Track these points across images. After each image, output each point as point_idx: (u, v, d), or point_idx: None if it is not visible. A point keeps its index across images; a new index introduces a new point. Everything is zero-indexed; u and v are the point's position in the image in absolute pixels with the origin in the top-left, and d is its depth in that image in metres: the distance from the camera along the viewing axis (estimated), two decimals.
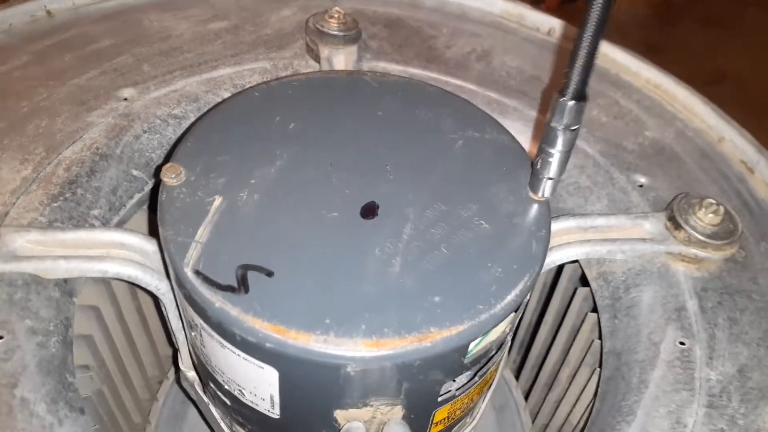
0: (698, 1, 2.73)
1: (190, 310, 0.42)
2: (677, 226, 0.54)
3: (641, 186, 0.63)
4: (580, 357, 0.65)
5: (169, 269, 0.43)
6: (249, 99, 0.53)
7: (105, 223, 0.58)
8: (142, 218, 0.66)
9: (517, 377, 0.92)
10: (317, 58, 0.71)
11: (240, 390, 0.45)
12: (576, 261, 0.61)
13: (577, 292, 0.65)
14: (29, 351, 0.46)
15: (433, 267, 0.42)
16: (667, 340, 0.50)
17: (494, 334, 0.43)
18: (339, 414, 0.43)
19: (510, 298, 0.41)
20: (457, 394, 0.46)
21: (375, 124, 0.52)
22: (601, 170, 0.64)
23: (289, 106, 0.52)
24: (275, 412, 0.45)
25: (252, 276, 0.40)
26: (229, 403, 0.49)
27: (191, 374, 0.59)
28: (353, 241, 0.43)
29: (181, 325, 0.54)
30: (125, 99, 0.65)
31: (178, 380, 0.67)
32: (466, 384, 0.46)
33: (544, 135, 0.43)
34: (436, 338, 0.39)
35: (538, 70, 0.76)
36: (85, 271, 0.48)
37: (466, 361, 0.42)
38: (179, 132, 0.65)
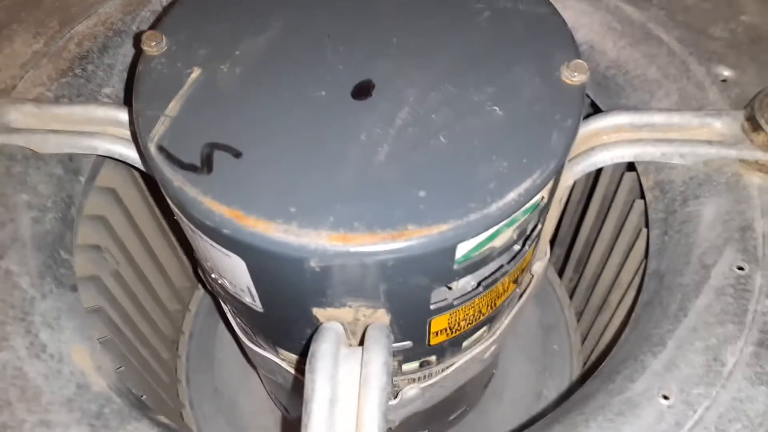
0: None
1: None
2: (756, 128, 0.44)
3: (724, 81, 0.51)
4: (630, 279, 0.58)
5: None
6: None
7: (119, 102, 0.56)
8: None
9: (570, 297, 0.85)
10: None
11: (224, 280, 0.43)
12: (634, 169, 0.53)
13: (634, 205, 0.56)
14: (22, 225, 0.45)
15: (426, 157, 0.36)
16: (722, 263, 0.42)
17: (499, 240, 0.37)
18: (317, 312, 0.39)
19: (511, 197, 0.34)
20: (455, 304, 0.41)
21: None
22: (676, 60, 0.53)
23: None
24: (258, 305, 0.42)
25: (219, 156, 0.36)
26: (222, 293, 0.47)
27: None
28: (338, 124, 0.37)
29: None
30: None
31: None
32: (467, 294, 0.41)
33: None
34: (412, 237, 0.33)
35: None
36: (74, 146, 0.46)
37: (457, 267, 0.36)
38: None
